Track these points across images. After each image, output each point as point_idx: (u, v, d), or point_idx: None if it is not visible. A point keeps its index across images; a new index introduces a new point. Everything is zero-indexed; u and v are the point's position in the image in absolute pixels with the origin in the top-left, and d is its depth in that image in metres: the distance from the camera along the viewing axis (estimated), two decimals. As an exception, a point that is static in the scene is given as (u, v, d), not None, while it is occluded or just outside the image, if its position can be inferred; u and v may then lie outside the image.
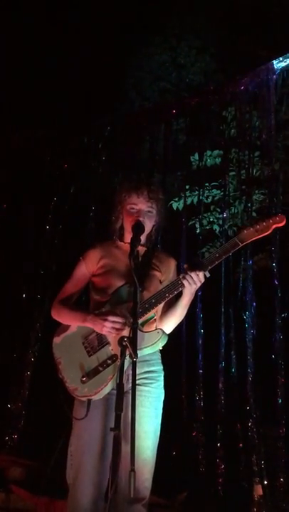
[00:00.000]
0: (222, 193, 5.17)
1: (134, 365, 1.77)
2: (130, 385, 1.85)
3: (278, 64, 3.85)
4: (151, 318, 2.19)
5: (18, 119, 5.65)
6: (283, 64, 3.84)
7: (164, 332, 2.10)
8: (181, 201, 5.22)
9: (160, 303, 2.12)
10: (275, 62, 3.86)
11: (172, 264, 2.37)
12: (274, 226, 2.15)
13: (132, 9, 6.50)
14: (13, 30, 6.00)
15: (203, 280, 2.10)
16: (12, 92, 5.89)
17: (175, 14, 6.93)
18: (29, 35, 6.11)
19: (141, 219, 2.22)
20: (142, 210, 2.26)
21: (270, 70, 3.90)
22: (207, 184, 5.38)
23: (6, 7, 5.86)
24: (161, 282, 2.27)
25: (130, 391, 1.76)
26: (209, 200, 5.54)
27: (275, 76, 3.94)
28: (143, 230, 2.20)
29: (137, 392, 1.82)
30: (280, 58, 3.84)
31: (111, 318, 2.04)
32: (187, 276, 2.07)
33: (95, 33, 6.47)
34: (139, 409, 1.80)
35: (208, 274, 2.11)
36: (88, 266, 2.30)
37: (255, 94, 4.18)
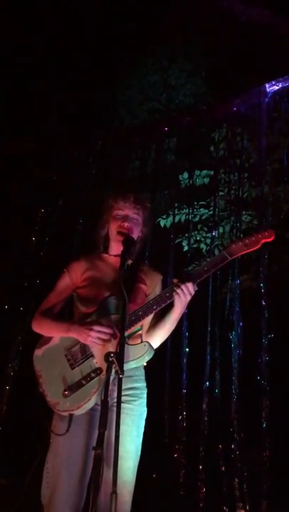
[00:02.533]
0: (210, 213, 5.19)
1: (119, 382, 1.69)
2: (113, 401, 1.79)
3: (271, 87, 3.91)
4: (137, 332, 2.13)
5: (8, 130, 5.63)
6: (276, 87, 3.90)
7: (150, 345, 2.04)
8: (169, 219, 5.22)
9: (147, 315, 2.08)
10: (267, 85, 3.92)
11: (158, 278, 2.33)
12: (263, 241, 2.15)
13: (124, 29, 6.59)
14: (6, 43, 6.03)
15: (193, 292, 2.07)
16: (2, 104, 5.88)
17: (167, 37, 7.04)
18: (23, 49, 6.14)
19: (127, 224, 2.20)
20: (128, 215, 2.24)
21: (262, 92, 3.95)
22: (195, 203, 5.40)
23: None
24: (146, 296, 2.23)
25: (113, 408, 1.69)
26: (197, 219, 5.56)
27: (267, 99, 3.99)
28: (134, 243, 2.17)
29: None
30: (273, 82, 3.91)
31: (97, 328, 1.98)
32: (178, 289, 2.04)
33: (87, 50, 6.53)
34: (120, 428, 1.74)
35: (196, 288, 2.08)
36: (72, 278, 2.25)
37: (246, 116, 4.22)
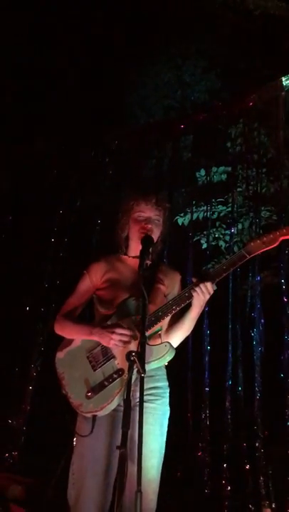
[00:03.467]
0: (228, 209, 5.15)
1: (141, 381, 1.70)
2: (136, 400, 1.79)
3: (287, 81, 3.86)
4: (157, 332, 2.14)
5: (24, 131, 5.68)
6: (292, 81, 3.85)
7: (171, 345, 2.05)
8: (187, 217, 5.20)
9: (167, 316, 2.08)
10: (283, 79, 3.87)
11: (177, 278, 2.33)
12: (281, 238, 2.14)
13: (137, 28, 6.58)
14: (23, 40, 6.09)
15: (212, 291, 2.07)
16: (18, 104, 5.94)
17: (180, 34, 7.00)
18: (39, 48, 6.19)
19: (149, 226, 2.21)
20: (150, 217, 2.25)
21: (278, 86, 3.91)
22: (213, 200, 5.37)
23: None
24: (165, 296, 2.23)
25: (135, 407, 1.70)
26: (215, 216, 5.53)
27: (283, 93, 3.95)
28: (153, 243, 2.17)
29: None
30: (289, 75, 3.86)
31: (118, 330, 1.99)
32: (196, 288, 2.04)
33: (101, 50, 6.55)
34: (144, 427, 1.75)
35: (214, 287, 2.09)
36: (92, 279, 2.26)
37: (263, 111, 4.18)
